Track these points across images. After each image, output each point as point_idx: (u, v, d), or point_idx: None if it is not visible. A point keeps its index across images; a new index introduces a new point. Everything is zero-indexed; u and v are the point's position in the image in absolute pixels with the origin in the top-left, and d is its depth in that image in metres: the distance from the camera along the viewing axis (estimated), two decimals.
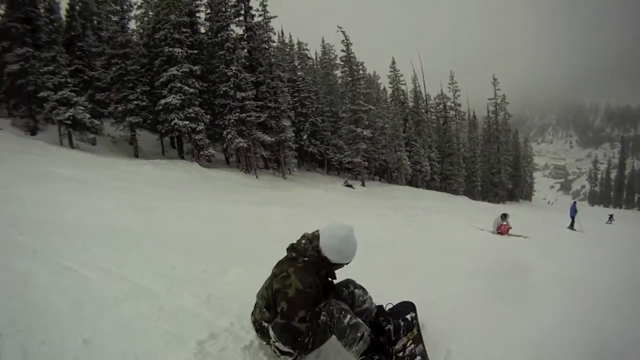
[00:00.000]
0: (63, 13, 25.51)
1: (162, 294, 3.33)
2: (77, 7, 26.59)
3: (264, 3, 27.37)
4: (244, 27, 27.21)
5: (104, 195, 9.34)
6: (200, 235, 6.20)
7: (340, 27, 32.89)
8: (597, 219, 27.69)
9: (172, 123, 22.13)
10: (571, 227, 19.04)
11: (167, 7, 22.99)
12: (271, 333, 2.57)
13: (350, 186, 28.51)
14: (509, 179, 53.49)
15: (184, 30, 23.29)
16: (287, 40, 38.86)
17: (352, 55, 33.56)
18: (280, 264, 2.77)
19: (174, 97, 21.95)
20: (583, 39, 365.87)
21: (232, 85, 24.02)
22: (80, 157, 17.34)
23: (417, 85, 46.73)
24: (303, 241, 2.77)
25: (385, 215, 15.49)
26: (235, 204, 12.63)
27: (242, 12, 27.01)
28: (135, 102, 22.62)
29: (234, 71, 23.97)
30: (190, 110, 22.42)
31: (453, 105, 48.89)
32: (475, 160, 49.28)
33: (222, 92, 24.25)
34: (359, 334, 2.55)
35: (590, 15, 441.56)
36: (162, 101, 22.31)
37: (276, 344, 2.57)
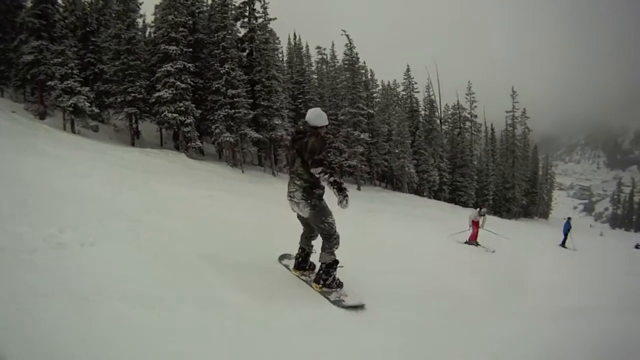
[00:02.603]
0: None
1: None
2: (99, 3, 28.38)
3: (265, 6, 27.94)
4: (247, 28, 28.18)
5: (71, 168, 9.85)
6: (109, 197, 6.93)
7: (344, 31, 32.46)
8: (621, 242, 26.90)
9: (162, 115, 23.36)
10: (562, 244, 18.61)
11: (167, 7, 24.58)
12: (312, 170, 4.14)
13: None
14: (524, 195, 51.91)
15: (181, 29, 24.33)
16: (298, 42, 38.62)
17: (355, 58, 33.08)
18: (290, 145, 4.59)
19: (166, 91, 23.24)
20: (615, 59, 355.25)
21: (223, 83, 24.77)
22: (76, 140, 18.31)
23: (430, 93, 45.60)
24: (301, 127, 4.38)
25: (352, 217, 14.44)
26: (192, 188, 12.56)
27: (247, 13, 28.09)
28: (133, 94, 23.77)
29: (226, 69, 24.77)
30: (181, 104, 23.38)
31: (469, 116, 47.35)
32: (488, 173, 47.69)
33: (214, 88, 25.02)
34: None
35: (621, 35, 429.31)
36: (155, 94, 23.60)
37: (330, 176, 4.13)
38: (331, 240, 4.41)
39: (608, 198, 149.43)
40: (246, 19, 28.06)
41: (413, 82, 42.54)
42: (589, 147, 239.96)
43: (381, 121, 36.22)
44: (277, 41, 41.08)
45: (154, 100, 23.74)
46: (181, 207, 7.96)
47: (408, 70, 42.22)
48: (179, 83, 23.28)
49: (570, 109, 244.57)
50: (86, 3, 28.26)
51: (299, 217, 4.65)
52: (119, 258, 3.97)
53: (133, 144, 23.92)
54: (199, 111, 24.64)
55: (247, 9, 27.94)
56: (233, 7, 27.27)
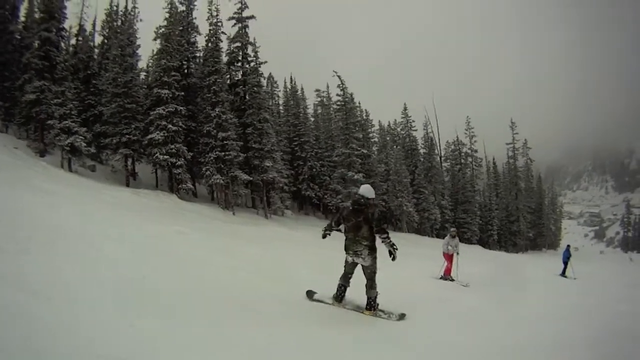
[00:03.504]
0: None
1: None
2: (104, 47, 30.17)
3: (256, 49, 28.38)
4: (240, 72, 28.71)
5: (61, 202, 10.71)
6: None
7: (336, 72, 32.53)
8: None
9: (154, 156, 23.62)
10: (563, 274, 18.55)
11: (160, 52, 25.39)
12: (379, 235, 5.93)
13: (339, 230, 27.16)
14: (531, 228, 50.96)
15: (174, 74, 24.89)
16: (294, 85, 38.88)
17: (347, 99, 33.03)
18: (351, 214, 6.02)
19: (158, 134, 23.47)
20: (616, 80, 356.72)
21: (214, 126, 25.04)
22: (71, 178, 18.97)
23: (428, 131, 45.51)
24: (361, 200, 5.91)
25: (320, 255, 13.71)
26: (166, 225, 12.57)
27: (240, 57, 28.59)
28: (128, 135, 24.20)
29: (217, 112, 24.99)
30: (172, 147, 23.58)
31: (469, 151, 46.89)
32: (491, 208, 46.92)
33: (205, 131, 25.30)
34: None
35: (621, 55, 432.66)
36: (148, 136, 23.92)
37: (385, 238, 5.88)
38: (374, 280, 6.24)
39: (618, 222, 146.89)
40: (239, 63, 28.58)
41: (411, 121, 42.54)
42: (596, 173, 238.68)
43: (379, 161, 35.87)
44: (275, 85, 41.71)
45: (146, 142, 24.10)
46: (142, 239, 8.76)
47: (405, 109, 42.27)
48: (170, 126, 23.59)
49: (575, 136, 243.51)
50: (92, 46, 29.88)
51: (349, 265, 6.37)
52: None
53: (128, 185, 24.24)
54: (191, 153, 24.98)
55: (241, 53, 28.46)
56: (227, 51, 28.13)
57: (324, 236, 6.69)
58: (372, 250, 6.05)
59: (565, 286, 15.31)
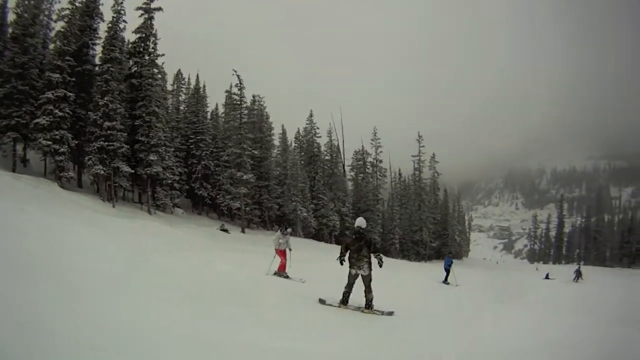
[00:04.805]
0: None
1: None
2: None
3: (155, 42, 27.69)
4: (138, 64, 27.70)
5: None
6: None
7: (235, 71, 31.65)
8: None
9: (38, 142, 22.87)
10: (445, 281, 19.04)
11: (57, 36, 24.67)
12: (374, 254, 7.99)
13: (225, 231, 27.35)
14: (435, 238, 52.37)
15: (68, 58, 24.05)
16: (197, 83, 37.18)
17: (243, 99, 32.37)
18: (354, 241, 7.99)
19: (44, 118, 22.72)
20: (527, 104, 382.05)
21: (101, 115, 24.20)
22: None
23: (333, 138, 45.36)
24: (361, 230, 8.02)
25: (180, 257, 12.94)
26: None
27: (141, 49, 27.72)
28: (17, 118, 23.53)
29: (105, 101, 24.20)
30: (57, 133, 22.96)
31: (374, 161, 47.41)
32: (393, 217, 47.70)
33: (92, 120, 24.35)
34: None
35: (530, 79, 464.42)
36: (34, 121, 23.00)
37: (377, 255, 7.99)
38: (371, 286, 8.10)
39: (526, 235, 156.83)
40: (140, 55, 27.61)
41: (315, 127, 42.38)
42: (507, 190, 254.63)
43: (277, 164, 35.25)
44: (183, 81, 40.03)
45: (32, 126, 23.18)
46: None
47: (311, 115, 42.19)
48: (57, 111, 22.86)
49: (490, 156, 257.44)
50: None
51: (352, 276, 8.14)
52: None
53: (14, 170, 23.27)
54: (76, 142, 24.25)
55: (143, 45, 27.62)
56: (129, 42, 27.86)
57: (341, 263, 8.24)
58: (370, 264, 8.08)
59: (438, 290, 16.09)
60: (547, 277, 30.80)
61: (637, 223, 71.75)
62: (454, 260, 20.15)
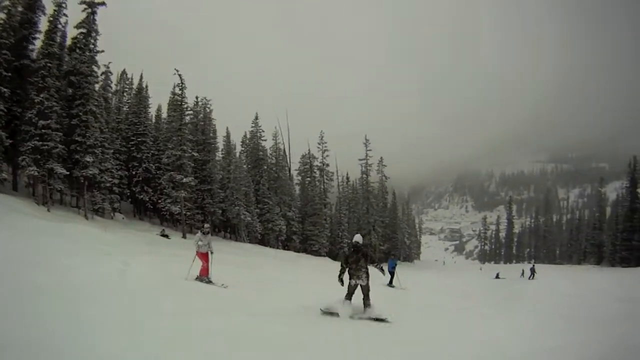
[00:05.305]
0: None
1: None
2: None
3: (96, 38, 26.91)
4: (78, 60, 26.33)
5: None
6: None
7: (177, 70, 30.82)
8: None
9: None
10: (390, 283, 19.11)
11: None
12: (371, 267, 8.82)
13: (166, 236, 26.40)
14: (384, 241, 53.00)
15: (4, 52, 23.18)
16: (140, 83, 36.10)
17: (184, 99, 31.59)
18: (352, 254, 8.71)
19: None
20: (478, 111, 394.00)
21: (35, 113, 23.14)
22: None
23: (278, 142, 45.06)
24: (359, 244, 8.73)
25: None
26: None
27: (83, 45, 26.53)
28: None
29: (40, 98, 23.17)
30: None
31: (321, 165, 47.31)
32: (341, 221, 47.91)
33: (27, 118, 23.26)
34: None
35: (486, 85, 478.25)
36: None
37: (375, 265, 9.02)
38: (369, 295, 8.72)
39: (476, 237, 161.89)
40: (81, 51, 26.39)
41: (261, 130, 41.97)
42: (457, 194, 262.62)
43: (222, 168, 34.75)
44: (127, 81, 38.80)
45: None
46: None
47: (256, 118, 41.68)
48: None
49: (440, 160, 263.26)
50: None
51: (352, 287, 8.75)
52: None
53: None
54: (10, 141, 23.09)
55: (84, 41, 26.50)
56: (71, 38, 26.60)
57: (342, 282, 8.82)
58: (367, 274, 8.74)
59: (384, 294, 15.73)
60: (497, 277, 32.02)
61: (585, 222, 75.57)
62: (401, 263, 20.50)
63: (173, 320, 6.51)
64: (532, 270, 32.11)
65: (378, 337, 7.28)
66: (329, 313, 8.72)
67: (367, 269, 8.78)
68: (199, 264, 12.05)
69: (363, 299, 8.74)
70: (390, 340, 7.07)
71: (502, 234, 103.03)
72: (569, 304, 13.42)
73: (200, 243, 12.05)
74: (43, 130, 23.16)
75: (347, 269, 8.85)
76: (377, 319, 8.49)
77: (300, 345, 6.02)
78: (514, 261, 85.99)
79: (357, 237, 9.11)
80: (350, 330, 7.68)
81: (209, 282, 11.66)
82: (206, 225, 12.95)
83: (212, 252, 12.11)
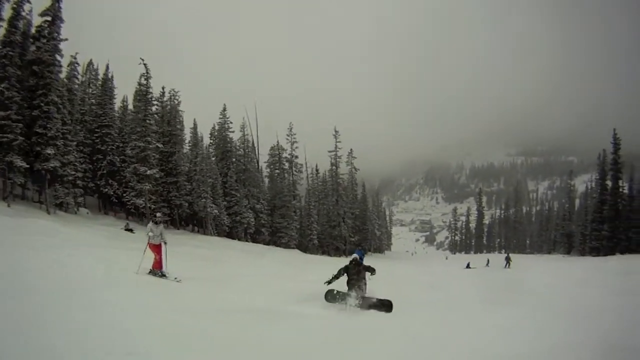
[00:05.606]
0: None
1: None
2: None
3: (60, 25, 25.86)
4: (40, 49, 25.30)
5: None
6: None
7: (142, 60, 30.33)
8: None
9: None
10: None
11: None
12: (368, 275, 10.21)
13: (130, 230, 25.99)
14: (355, 233, 53.45)
15: None
16: (105, 73, 35.16)
17: (149, 89, 31.13)
18: (354, 266, 10.09)
19: None
20: (450, 104, 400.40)
21: None
22: None
23: (246, 133, 44.80)
24: (359, 259, 10.24)
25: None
26: None
27: (46, 33, 25.41)
28: None
29: (1, 88, 22.45)
30: None
31: (290, 156, 47.38)
32: (310, 213, 48.10)
33: None
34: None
35: (459, 80, 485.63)
36: None
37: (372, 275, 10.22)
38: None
39: (446, 228, 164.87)
40: (45, 39, 25.34)
41: (229, 122, 41.64)
42: (427, 186, 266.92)
43: (188, 160, 34.43)
44: (94, 72, 37.74)
45: None
46: None
47: (224, 109, 41.26)
48: None
49: (410, 152, 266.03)
50: None
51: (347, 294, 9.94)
52: None
53: None
54: None
55: (48, 29, 25.47)
56: (36, 27, 25.38)
57: (328, 284, 10.15)
58: (365, 284, 10.13)
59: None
60: (468, 267, 32.93)
61: (554, 213, 78.36)
62: (372, 254, 20.70)
63: (95, 315, 6.02)
64: (507, 259, 33.06)
65: (328, 332, 7.12)
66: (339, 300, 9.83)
67: (365, 278, 10.17)
68: (151, 256, 11.43)
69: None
70: (349, 337, 6.82)
71: (473, 225, 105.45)
72: (554, 295, 13.50)
73: (150, 234, 11.34)
74: (3, 122, 22.52)
75: (343, 277, 10.17)
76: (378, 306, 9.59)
77: (228, 347, 5.45)
78: (485, 251, 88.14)
79: (359, 253, 10.63)
80: (306, 326, 7.28)
81: (162, 275, 11.23)
82: (158, 214, 12.25)
83: (165, 243, 11.49)
